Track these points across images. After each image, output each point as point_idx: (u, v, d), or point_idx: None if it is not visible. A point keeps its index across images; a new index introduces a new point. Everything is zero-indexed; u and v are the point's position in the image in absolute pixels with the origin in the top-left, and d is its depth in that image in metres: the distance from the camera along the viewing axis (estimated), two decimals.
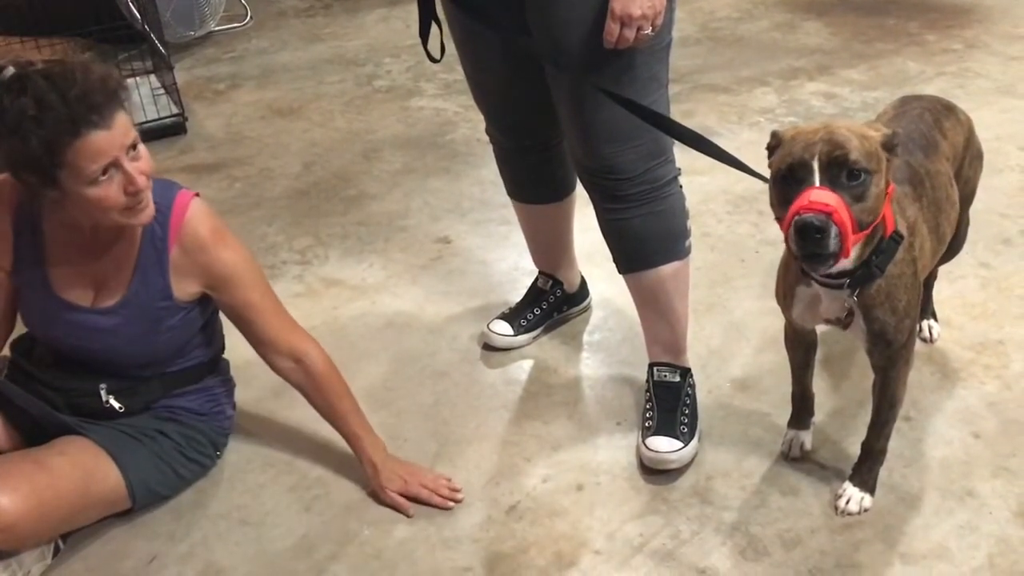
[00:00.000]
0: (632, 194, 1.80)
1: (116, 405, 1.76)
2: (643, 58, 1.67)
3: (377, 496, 1.81)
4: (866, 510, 1.73)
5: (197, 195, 1.73)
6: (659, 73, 1.74)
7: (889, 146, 1.40)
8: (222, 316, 1.86)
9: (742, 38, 3.90)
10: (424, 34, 1.87)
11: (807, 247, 1.32)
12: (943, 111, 1.81)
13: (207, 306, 1.81)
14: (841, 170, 1.33)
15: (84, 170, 1.50)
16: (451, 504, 1.80)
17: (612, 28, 1.57)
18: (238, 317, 1.78)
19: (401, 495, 1.79)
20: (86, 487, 1.66)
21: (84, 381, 1.76)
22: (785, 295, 1.65)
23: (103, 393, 1.75)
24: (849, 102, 3.28)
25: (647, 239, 1.86)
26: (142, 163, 1.56)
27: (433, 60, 1.88)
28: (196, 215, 1.70)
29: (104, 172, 1.51)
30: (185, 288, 1.72)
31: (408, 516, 1.78)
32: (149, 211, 1.61)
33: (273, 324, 1.78)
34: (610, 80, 1.67)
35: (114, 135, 1.51)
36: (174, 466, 1.80)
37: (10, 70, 1.48)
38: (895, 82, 3.39)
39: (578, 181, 2.00)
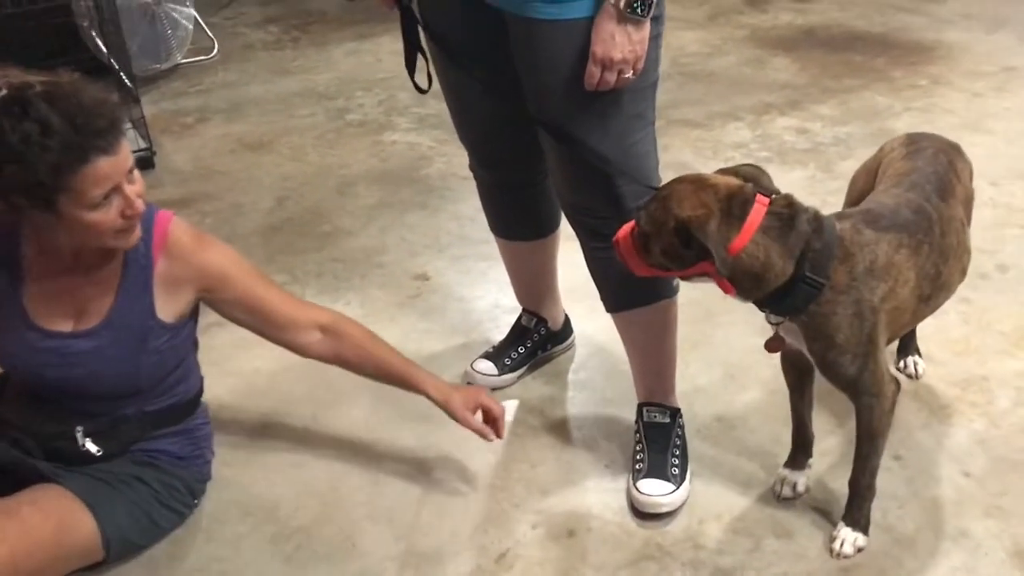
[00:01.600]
0: None
1: (93, 448, 1.69)
2: (628, 96, 1.66)
3: (462, 422, 1.82)
4: (860, 550, 1.71)
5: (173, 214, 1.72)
6: (645, 111, 1.73)
7: (678, 231, 1.50)
8: (207, 346, 1.82)
9: (712, 73, 3.93)
10: (410, 65, 1.85)
11: None
12: (953, 152, 1.81)
13: (192, 332, 1.77)
14: (636, 220, 1.59)
15: (87, 195, 1.48)
16: (494, 437, 1.84)
17: (593, 71, 1.56)
18: (248, 309, 1.75)
19: (475, 410, 1.82)
20: (59, 538, 1.59)
21: (59, 424, 1.69)
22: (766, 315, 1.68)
23: (79, 436, 1.69)
24: (821, 136, 3.31)
25: (634, 278, 1.82)
26: (138, 186, 1.56)
27: (421, 91, 1.86)
28: (178, 226, 1.70)
29: (106, 197, 1.49)
30: (176, 301, 1.68)
31: (492, 440, 1.83)
32: (138, 233, 1.60)
33: (286, 304, 1.78)
34: (596, 118, 1.65)
35: (119, 160, 1.49)
36: (151, 515, 1.73)
37: (2, 91, 1.43)
38: (865, 117, 3.43)
39: (562, 217, 1.98)
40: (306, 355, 1.82)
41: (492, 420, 1.85)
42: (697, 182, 1.53)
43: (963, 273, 1.75)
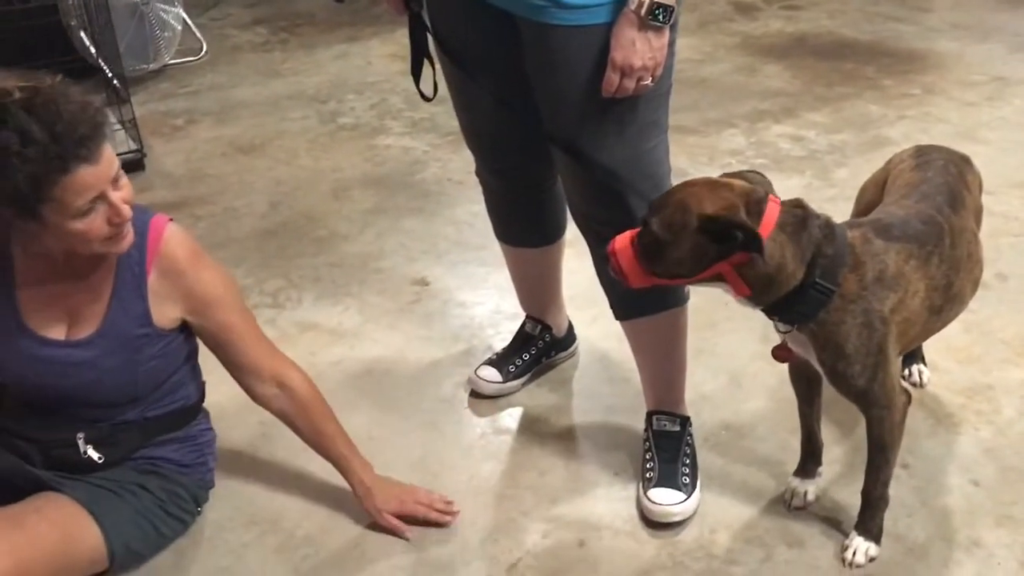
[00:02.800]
0: None
1: (95, 456, 1.66)
2: (644, 103, 1.64)
3: (375, 519, 1.78)
4: (872, 559, 1.70)
5: (171, 220, 1.68)
6: (660, 119, 1.71)
7: (705, 228, 1.46)
8: (201, 351, 1.78)
9: (705, 80, 3.93)
10: (416, 72, 1.83)
11: None
12: (963, 163, 1.81)
13: (189, 337, 1.73)
14: (645, 228, 1.53)
15: (71, 205, 1.45)
16: (448, 519, 1.78)
17: (612, 78, 1.55)
18: (219, 342, 1.71)
19: (398, 515, 1.76)
20: (65, 547, 1.56)
21: (60, 431, 1.65)
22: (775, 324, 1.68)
23: (81, 443, 1.65)
24: (816, 144, 3.32)
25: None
26: (124, 192, 1.52)
27: (426, 99, 1.84)
28: (173, 237, 1.65)
29: (90, 205, 1.46)
30: (166, 313, 1.65)
31: (406, 539, 1.75)
32: (129, 238, 1.56)
33: (255, 349, 1.73)
34: (612, 125, 1.64)
35: (101, 169, 1.46)
36: (155, 523, 1.70)
37: None
38: (859, 125, 3.44)
39: (569, 223, 1.97)
40: (255, 402, 1.78)
41: (410, 515, 1.78)
42: (710, 184, 1.52)
43: (975, 285, 1.75)
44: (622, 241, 1.56)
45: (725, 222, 1.45)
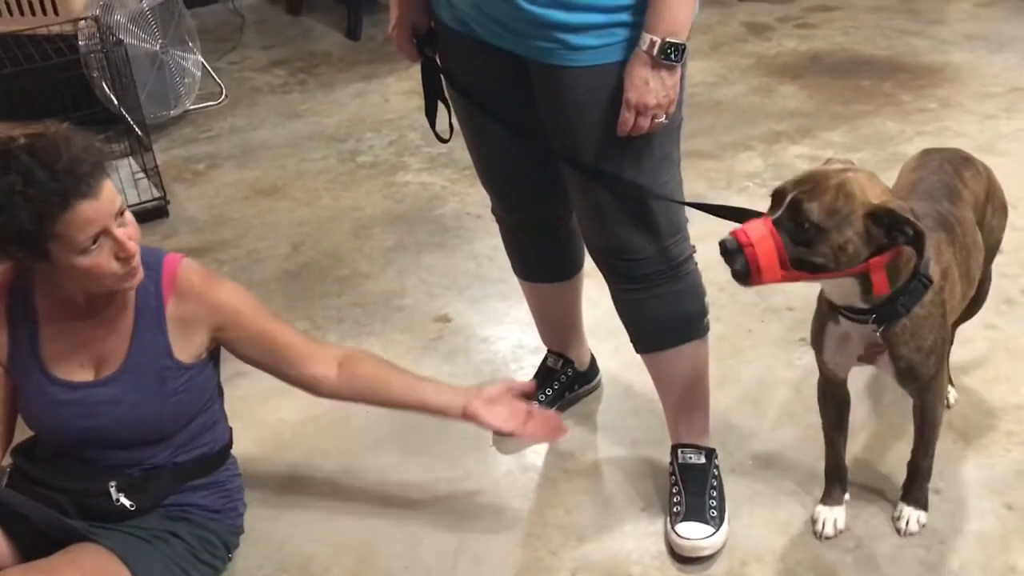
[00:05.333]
0: (648, 274, 1.77)
1: (127, 503, 1.69)
2: (659, 139, 1.65)
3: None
4: (923, 525, 1.77)
5: (184, 256, 1.73)
6: (672, 152, 1.72)
7: (876, 218, 1.43)
8: (230, 396, 1.82)
9: (720, 103, 3.93)
10: (431, 115, 1.85)
11: (727, 263, 1.48)
12: (961, 162, 1.86)
13: (213, 374, 1.76)
14: (795, 215, 1.44)
15: (74, 240, 1.50)
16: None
17: (627, 118, 1.56)
18: (262, 347, 1.74)
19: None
20: None
21: (92, 479, 1.69)
22: (816, 335, 1.70)
23: (113, 491, 1.68)
24: None
25: (665, 319, 1.82)
26: (130, 228, 1.57)
27: (442, 141, 1.86)
28: (187, 267, 1.71)
29: (94, 241, 1.51)
30: (190, 341, 1.69)
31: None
32: (140, 274, 1.61)
33: (300, 341, 1.78)
34: (629, 160, 1.65)
35: (102, 204, 1.51)
36: (187, 570, 1.72)
37: None
38: (877, 142, 3.43)
39: (587, 257, 1.98)
40: (321, 391, 1.78)
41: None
42: (866, 171, 1.50)
43: (979, 268, 1.80)
44: (758, 231, 1.44)
45: (897, 217, 1.41)
